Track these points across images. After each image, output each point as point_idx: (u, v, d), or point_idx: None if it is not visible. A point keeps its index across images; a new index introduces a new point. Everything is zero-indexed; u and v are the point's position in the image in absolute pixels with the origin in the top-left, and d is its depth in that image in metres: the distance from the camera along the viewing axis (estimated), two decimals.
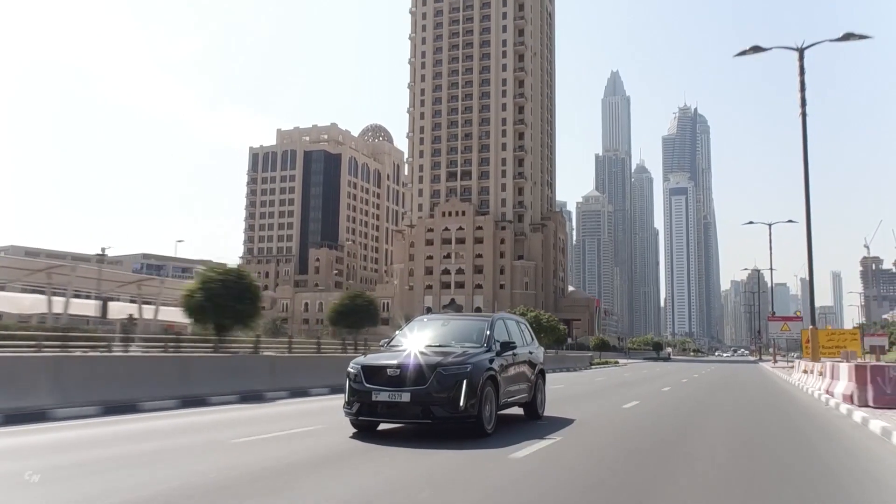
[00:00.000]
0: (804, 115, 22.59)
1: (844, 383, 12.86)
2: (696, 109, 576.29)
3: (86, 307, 36.81)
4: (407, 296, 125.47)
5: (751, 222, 49.17)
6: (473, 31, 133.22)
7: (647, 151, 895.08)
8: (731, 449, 8.56)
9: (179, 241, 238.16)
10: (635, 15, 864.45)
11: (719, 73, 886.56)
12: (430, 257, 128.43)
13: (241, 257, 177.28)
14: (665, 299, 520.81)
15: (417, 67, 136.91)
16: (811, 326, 23.21)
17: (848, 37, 21.63)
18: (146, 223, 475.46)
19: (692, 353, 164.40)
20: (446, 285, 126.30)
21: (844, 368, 13.12)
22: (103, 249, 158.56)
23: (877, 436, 9.46)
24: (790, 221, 41.10)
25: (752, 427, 11.01)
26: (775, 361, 53.40)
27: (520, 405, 10.55)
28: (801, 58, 23.12)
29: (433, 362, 8.28)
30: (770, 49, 23.35)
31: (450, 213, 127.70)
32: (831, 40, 22.71)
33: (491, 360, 8.93)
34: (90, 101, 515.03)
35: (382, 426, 9.04)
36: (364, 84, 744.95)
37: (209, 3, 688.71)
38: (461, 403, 8.12)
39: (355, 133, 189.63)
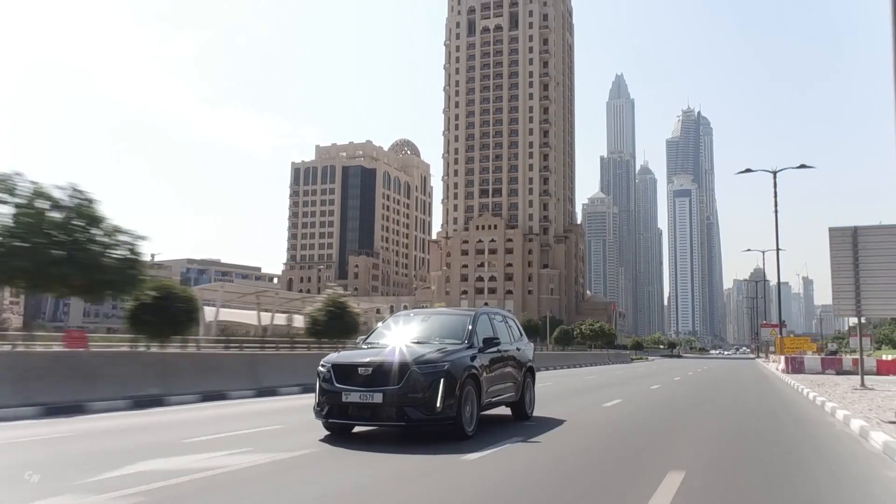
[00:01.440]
0: (777, 227, 33.05)
1: (781, 365, 29.10)
2: (699, 112, 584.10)
3: (276, 318, 52.76)
4: (445, 300, 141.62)
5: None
6: (502, 63, 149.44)
7: (650, 153, 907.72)
8: (730, 394, 23.89)
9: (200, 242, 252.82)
10: (640, 19, 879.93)
11: (723, 75, 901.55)
12: (466, 266, 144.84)
13: (284, 263, 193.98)
14: (668, 298, 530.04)
15: (451, 95, 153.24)
16: (777, 336, 39.26)
17: (802, 166, 36.18)
18: (146, 223, 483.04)
19: (699, 351, 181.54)
20: (480, 291, 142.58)
21: (781, 358, 29.44)
22: (153, 255, 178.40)
23: (785, 378, 25.44)
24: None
25: (740, 377, 26.84)
26: (766, 357, 69.07)
27: (507, 405, 9.99)
28: (775, 178, 33.59)
29: (407, 360, 7.72)
30: (756, 171, 33.83)
31: (483, 227, 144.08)
32: (794, 168, 33.58)
33: (472, 358, 8.39)
34: (89, 100, 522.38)
35: (358, 428, 8.45)
36: (375, 91, 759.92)
37: (231, 15, 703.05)
38: (438, 404, 7.56)
39: (379, 143, 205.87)
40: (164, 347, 19.09)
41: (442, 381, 7.65)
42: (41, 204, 12.40)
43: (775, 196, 34.99)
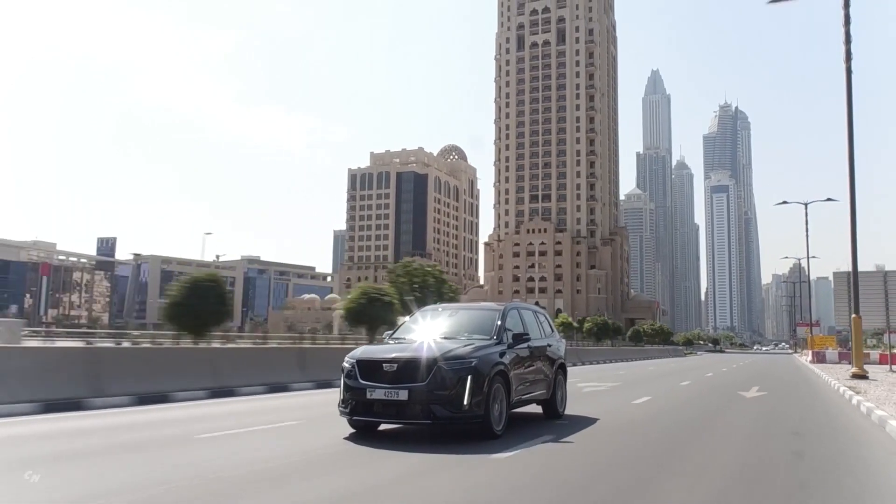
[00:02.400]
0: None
1: (809, 357, 39.31)
2: (736, 107, 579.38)
3: None
4: (497, 300, 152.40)
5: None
6: (550, 77, 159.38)
7: (687, 148, 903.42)
8: (775, 374, 33.69)
9: (208, 234, 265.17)
10: (675, 15, 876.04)
11: (760, 68, 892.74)
12: (517, 267, 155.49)
13: (342, 263, 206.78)
14: (706, 293, 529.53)
15: (502, 106, 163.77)
16: (809, 335, 49.00)
17: (829, 199, 45.64)
18: (181, 220, 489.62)
19: (739, 347, 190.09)
20: (531, 290, 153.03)
21: (810, 352, 39.65)
22: (218, 256, 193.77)
23: (809, 366, 35.45)
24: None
25: (779, 365, 36.78)
26: (800, 352, 78.46)
27: (538, 403, 9.63)
28: (807, 210, 36.29)
29: (433, 356, 7.50)
30: (791, 202, 37.19)
31: (533, 230, 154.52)
32: (821, 201, 39.89)
33: (501, 354, 8.14)
34: (120, 97, 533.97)
35: (383, 426, 8.21)
36: (406, 92, 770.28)
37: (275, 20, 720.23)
38: (465, 402, 7.33)
39: (428, 149, 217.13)
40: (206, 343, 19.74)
41: (469, 378, 7.40)
42: None
43: (807, 226, 44.62)
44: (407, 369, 7.48)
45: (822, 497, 5.41)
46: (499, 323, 8.65)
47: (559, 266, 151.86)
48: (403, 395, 7.36)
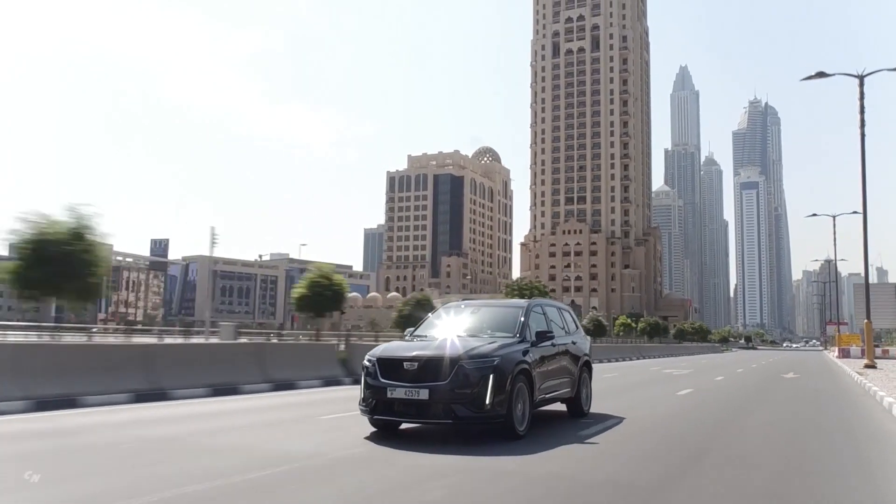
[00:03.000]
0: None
1: (836, 353, 45.51)
2: (766, 103, 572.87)
3: None
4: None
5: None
6: (585, 82, 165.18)
7: (716, 144, 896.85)
8: (806, 367, 39.42)
9: (303, 245, 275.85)
10: (702, 11, 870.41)
11: (790, 62, 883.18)
12: (553, 267, 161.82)
13: (381, 263, 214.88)
14: (735, 290, 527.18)
15: (538, 111, 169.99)
16: (836, 333, 54.88)
17: (855, 212, 51.43)
18: (209, 218, 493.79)
19: (770, 344, 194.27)
20: (566, 289, 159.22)
21: (835, 349, 45.84)
22: (260, 256, 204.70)
23: (835, 360, 41.52)
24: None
25: (809, 360, 42.59)
26: (830, 349, 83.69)
27: (562, 401, 9.52)
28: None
29: (454, 355, 7.41)
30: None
31: (569, 232, 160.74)
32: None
33: (524, 352, 8.03)
34: (152, 98, 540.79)
35: (405, 425, 8.16)
36: (430, 91, 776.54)
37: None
38: (487, 401, 7.21)
39: (452, 147, 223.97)
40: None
41: (491, 376, 7.25)
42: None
43: (835, 237, 50.31)
44: (428, 368, 7.39)
45: (832, 412, 12.03)
46: (522, 320, 8.57)
47: (594, 266, 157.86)
48: (424, 394, 7.25)
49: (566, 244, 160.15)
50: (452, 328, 8.67)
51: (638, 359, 39.79)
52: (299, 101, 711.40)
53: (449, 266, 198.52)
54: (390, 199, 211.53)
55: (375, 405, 7.61)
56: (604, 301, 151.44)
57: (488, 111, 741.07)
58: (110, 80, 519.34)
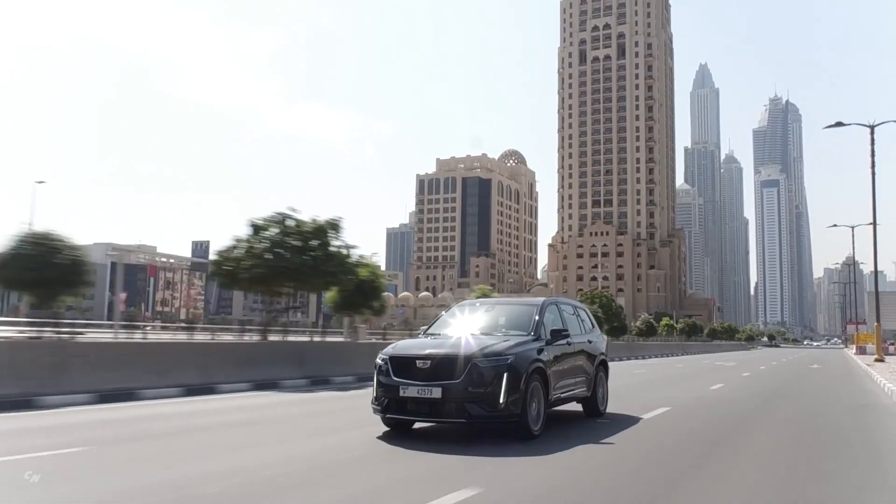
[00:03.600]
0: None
1: (854, 350, 51.73)
2: (787, 101, 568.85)
3: None
4: None
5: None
6: (611, 89, 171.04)
7: (735, 141, 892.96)
8: (828, 360, 45.65)
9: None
10: (722, 9, 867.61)
11: (811, 59, 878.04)
12: (580, 267, 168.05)
13: (410, 263, 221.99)
14: (755, 288, 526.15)
15: (565, 117, 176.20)
16: (854, 333, 60.83)
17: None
18: (219, 216, 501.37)
19: (792, 342, 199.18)
20: (594, 290, 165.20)
21: (853, 346, 52.06)
22: None
23: (852, 356, 47.61)
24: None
25: (830, 356, 48.62)
26: (849, 347, 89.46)
27: (578, 401, 9.46)
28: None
29: (467, 353, 7.34)
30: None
31: (596, 233, 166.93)
32: (867, 224, 51.53)
33: (539, 350, 7.93)
34: (169, 98, 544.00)
35: (418, 424, 8.10)
36: (444, 90, 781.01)
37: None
38: (501, 400, 7.13)
39: (492, 154, 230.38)
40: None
41: (505, 375, 7.18)
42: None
43: (853, 247, 56.08)
44: (441, 366, 7.29)
45: (844, 386, 18.53)
46: (537, 318, 8.45)
47: (620, 267, 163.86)
48: (437, 392, 7.15)
49: (593, 245, 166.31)
50: (466, 326, 8.59)
51: (681, 354, 46.32)
52: (318, 99, 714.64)
53: (477, 266, 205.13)
54: (419, 202, 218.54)
55: (388, 404, 7.52)
56: (630, 301, 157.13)
57: (511, 112, 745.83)
58: (131, 80, 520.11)
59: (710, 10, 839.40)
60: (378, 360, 7.81)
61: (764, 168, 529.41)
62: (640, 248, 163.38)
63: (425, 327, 9.18)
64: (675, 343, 61.08)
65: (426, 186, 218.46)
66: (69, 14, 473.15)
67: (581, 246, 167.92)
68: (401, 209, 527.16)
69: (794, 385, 18.18)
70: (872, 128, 30.71)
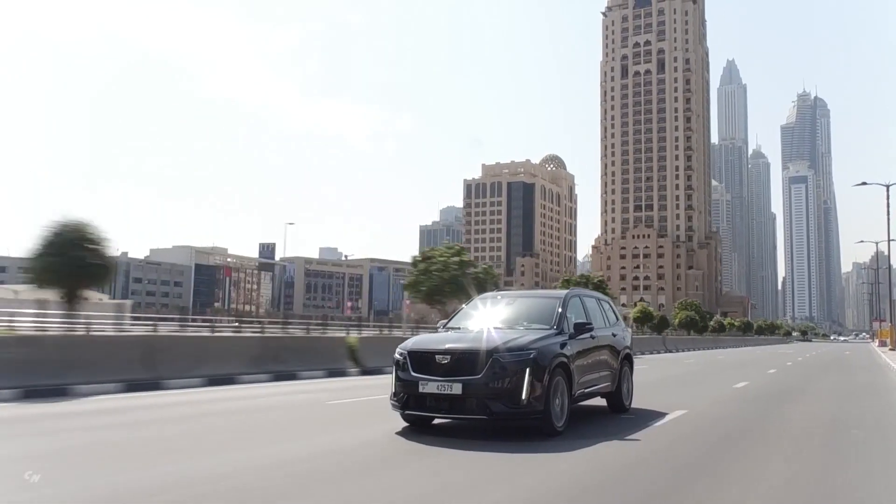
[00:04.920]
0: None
1: (877, 344, 65.48)
2: (815, 96, 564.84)
3: None
4: None
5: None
6: (651, 101, 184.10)
7: (763, 136, 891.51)
8: (855, 352, 58.89)
9: (290, 223, 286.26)
10: (750, 3, 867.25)
11: (840, 54, 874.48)
12: (623, 268, 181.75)
13: None
14: (783, 283, 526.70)
15: (607, 126, 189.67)
16: (879, 328, 74.16)
17: None
18: (246, 214, 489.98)
19: (822, 337, 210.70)
20: (636, 288, 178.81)
21: (877, 340, 65.90)
22: (346, 256, 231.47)
23: (875, 348, 60.73)
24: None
25: (858, 350, 60.95)
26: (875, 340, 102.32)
27: (602, 396, 9.27)
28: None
29: (488, 347, 7.09)
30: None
31: (637, 236, 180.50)
32: None
33: (562, 345, 7.66)
34: (192, 98, 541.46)
35: (438, 420, 7.95)
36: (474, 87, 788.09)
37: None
38: (523, 396, 6.90)
39: (534, 159, 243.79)
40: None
41: (528, 370, 6.94)
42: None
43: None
44: (461, 361, 7.09)
45: (867, 363, 32.41)
46: (559, 311, 8.15)
47: (661, 267, 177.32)
48: (457, 388, 6.94)
49: (635, 247, 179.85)
50: (487, 320, 8.31)
51: (741, 346, 60.06)
52: (344, 95, 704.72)
53: (522, 266, 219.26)
54: (467, 205, 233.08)
55: (407, 400, 7.35)
56: (670, 299, 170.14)
57: (545, 114, 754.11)
58: (152, 81, 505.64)
59: (737, 7, 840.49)
60: (396, 355, 7.62)
61: (792, 164, 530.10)
62: (679, 249, 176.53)
63: (444, 321, 9.08)
64: (732, 338, 74.67)
65: (473, 190, 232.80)
66: (86, 13, 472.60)
67: (624, 248, 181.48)
68: (432, 208, 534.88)
69: (840, 360, 32.43)
70: (888, 187, 44.37)
